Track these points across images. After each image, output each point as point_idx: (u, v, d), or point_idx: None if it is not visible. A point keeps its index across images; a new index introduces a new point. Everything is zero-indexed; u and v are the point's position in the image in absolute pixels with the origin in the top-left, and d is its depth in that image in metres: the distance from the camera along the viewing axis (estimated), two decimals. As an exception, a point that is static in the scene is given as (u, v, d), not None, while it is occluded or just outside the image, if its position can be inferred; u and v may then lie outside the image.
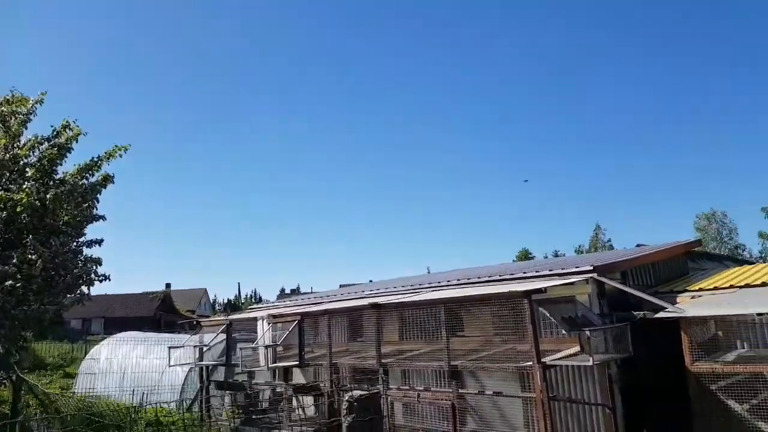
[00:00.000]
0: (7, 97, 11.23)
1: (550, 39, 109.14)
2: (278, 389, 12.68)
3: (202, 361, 14.32)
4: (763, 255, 40.36)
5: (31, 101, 11.23)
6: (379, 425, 9.43)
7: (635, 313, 9.06)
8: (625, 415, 8.66)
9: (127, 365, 19.00)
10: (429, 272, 29.76)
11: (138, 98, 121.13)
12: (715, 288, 10.16)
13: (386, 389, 10.03)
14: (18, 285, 9.90)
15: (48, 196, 10.12)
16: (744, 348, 8.91)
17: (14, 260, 9.81)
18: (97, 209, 11.17)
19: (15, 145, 11.02)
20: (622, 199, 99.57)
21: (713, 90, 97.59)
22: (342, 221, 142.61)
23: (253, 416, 12.21)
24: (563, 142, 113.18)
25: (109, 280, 11.25)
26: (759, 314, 8.45)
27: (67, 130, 11.18)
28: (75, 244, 11.02)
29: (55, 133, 11.17)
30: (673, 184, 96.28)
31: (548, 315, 8.26)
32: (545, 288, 8.28)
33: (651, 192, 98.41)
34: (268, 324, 12.50)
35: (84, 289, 11.13)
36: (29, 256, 9.85)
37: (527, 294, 7.97)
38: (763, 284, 9.71)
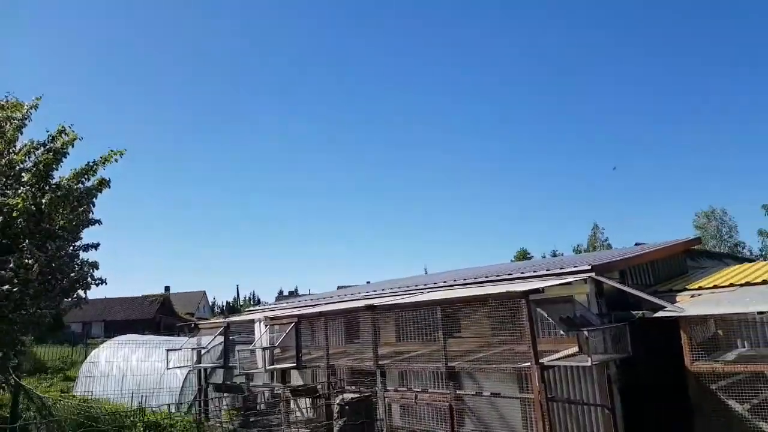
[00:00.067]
0: (2, 103, 11.18)
1: (550, 39, 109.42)
2: (276, 391, 12.64)
3: (200, 363, 14.30)
4: (763, 253, 40.33)
5: (26, 106, 11.16)
6: (371, 429, 9.37)
7: (634, 312, 9.01)
8: (624, 415, 8.62)
9: (127, 368, 18.99)
10: (426, 273, 29.75)
11: (138, 98, 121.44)
12: (715, 286, 10.11)
13: (384, 391, 9.99)
14: (15, 289, 9.87)
15: (44, 200, 10.08)
16: (744, 347, 8.86)
17: (11, 265, 9.78)
18: (93, 213, 11.10)
19: (10, 151, 10.98)
20: (622, 198, 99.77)
21: (713, 90, 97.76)
22: (342, 221, 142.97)
23: (251, 418, 12.18)
24: (563, 142, 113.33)
25: (106, 283, 11.20)
26: (760, 313, 8.41)
27: (62, 135, 11.12)
28: (71, 248, 10.98)
29: (50, 138, 11.12)
30: (672, 184, 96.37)
31: (546, 315, 8.22)
32: (543, 288, 8.25)
33: (650, 192, 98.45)
34: (266, 326, 12.47)
35: (81, 292, 11.08)
36: (26, 260, 9.81)
37: (525, 294, 7.93)
38: (764, 282, 9.65)
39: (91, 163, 11.15)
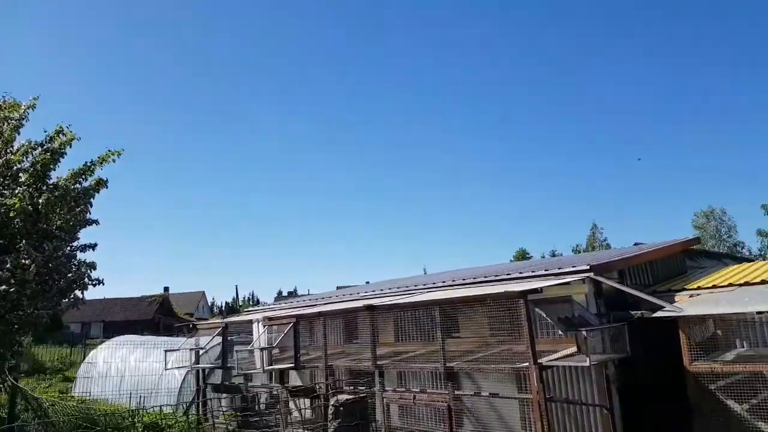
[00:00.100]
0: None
1: (550, 39, 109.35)
2: (274, 392, 12.61)
3: (198, 364, 14.27)
4: (762, 253, 40.30)
5: (23, 106, 11.17)
6: (365, 430, 9.32)
7: (633, 312, 8.99)
8: (623, 415, 8.60)
9: (125, 368, 18.96)
10: (425, 273, 29.73)
11: (138, 98, 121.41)
12: (714, 286, 10.08)
13: (382, 391, 9.96)
14: (12, 290, 9.86)
15: (40, 200, 10.07)
16: (743, 347, 8.83)
17: (8, 265, 9.77)
18: (90, 213, 11.12)
19: (8, 151, 10.98)
20: (622, 198, 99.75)
21: (713, 90, 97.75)
22: (342, 221, 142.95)
23: (250, 419, 12.15)
24: (563, 142, 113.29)
25: (103, 284, 11.19)
26: (759, 313, 8.39)
27: (60, 135, 11.13)
28: (69, 248, 10.97)
29: (48, 138, 11.12)
30: (672, 184, 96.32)
31: (545, 315, 8.20)
32: (541, 288, 8.23)
33: (650, 192, 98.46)
34: (264, 326, 12.44)
35: (78, 293, 11.07)
36: (23, 260, 9.80)
37: (523, 294, 7.90)
38: (763, 282, 9.63)
39: (88, 164, 11.16)
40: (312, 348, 12.64)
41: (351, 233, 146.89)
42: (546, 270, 10.26)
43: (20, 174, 10.67)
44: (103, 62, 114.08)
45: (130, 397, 15.73)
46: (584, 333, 7.63)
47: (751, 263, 13.12)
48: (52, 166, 10.94)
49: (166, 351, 14.47)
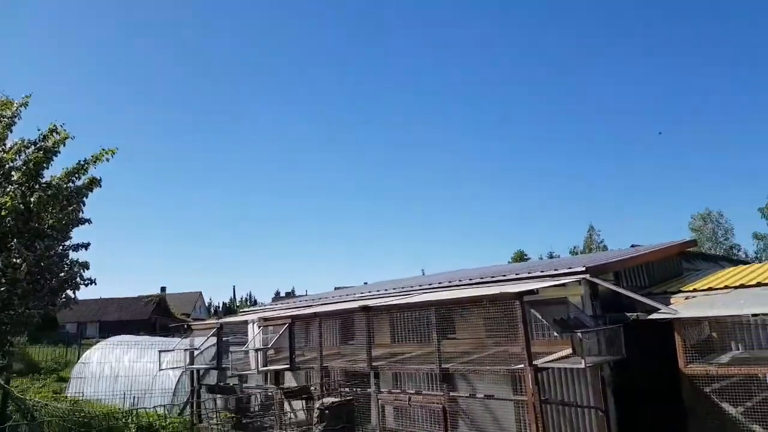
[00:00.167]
0: (-9, 101, 11.08)
1: (550, 39, 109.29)
2: (269, 393, 12.55)
3: (193, 364, 14.19)
4: (758, 255, 40.43)
5: (15, 104, 11.09)
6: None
7: (628, 314, 8.96)
8: (618, 418, 8.57)
9: (120, 369, 18.88)
10: (423, 274, 29.70)
11: (137, 98, 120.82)
12: (710, 288, 10.06)
13: (377, 392, 9.90)
14: (2, 289, 9.78)
15: (32, 199, 9.99)
16: (739, 349, 8.82)
17: (-1, 264, 9.68)
18: (83, 212, 11.03)
19: (0, 149, 10.89)
20: (621, 198, 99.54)
21: (713, 90, 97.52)
22: (341, 221, 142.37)
23: (244, 420, 12.09)
24: (563, 142, 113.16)
25: (95, 284, 11.11)
26: (754, 315, 8.35)
27: (54, 133, 11.04)
28: (61, 247, 10.88)
29: (41, 136, 11.04)
30: (672, 185, 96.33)
31: (540, 317, 8.16)
32: (537, 289, 8.20)
33: (650, 192, 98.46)
34: (259, 327, 12.38)
35: (70, 293, 10.98)
36: (14, 259, 9.72)
37: (519, 295, 7.87)
38: (758, 284, 9.62)
39: (82, 162, 11.07)
40: (307, 349, 12.58)
41: (350, 233, 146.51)
42: (542, 271, 10.23)
43: (12, 172, 10.59)
44: (102, 62, 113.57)
45: (124, 398, 15.67)
46: (579, 335, 7.60)
47: (747, 266, 13.12)
48: (45, 165, 10.85)
49: (160, 351, 14.38)
